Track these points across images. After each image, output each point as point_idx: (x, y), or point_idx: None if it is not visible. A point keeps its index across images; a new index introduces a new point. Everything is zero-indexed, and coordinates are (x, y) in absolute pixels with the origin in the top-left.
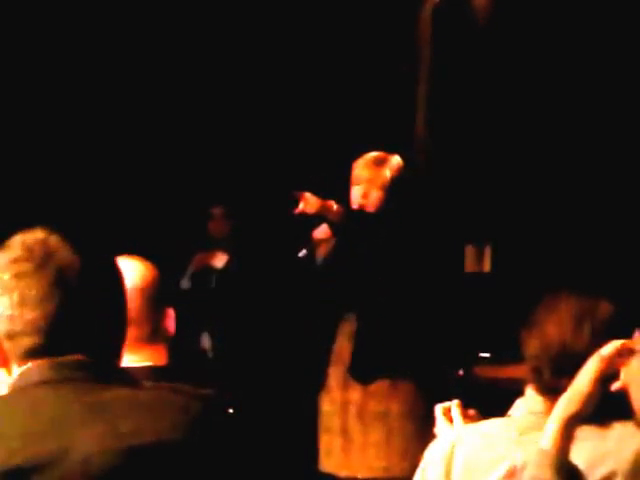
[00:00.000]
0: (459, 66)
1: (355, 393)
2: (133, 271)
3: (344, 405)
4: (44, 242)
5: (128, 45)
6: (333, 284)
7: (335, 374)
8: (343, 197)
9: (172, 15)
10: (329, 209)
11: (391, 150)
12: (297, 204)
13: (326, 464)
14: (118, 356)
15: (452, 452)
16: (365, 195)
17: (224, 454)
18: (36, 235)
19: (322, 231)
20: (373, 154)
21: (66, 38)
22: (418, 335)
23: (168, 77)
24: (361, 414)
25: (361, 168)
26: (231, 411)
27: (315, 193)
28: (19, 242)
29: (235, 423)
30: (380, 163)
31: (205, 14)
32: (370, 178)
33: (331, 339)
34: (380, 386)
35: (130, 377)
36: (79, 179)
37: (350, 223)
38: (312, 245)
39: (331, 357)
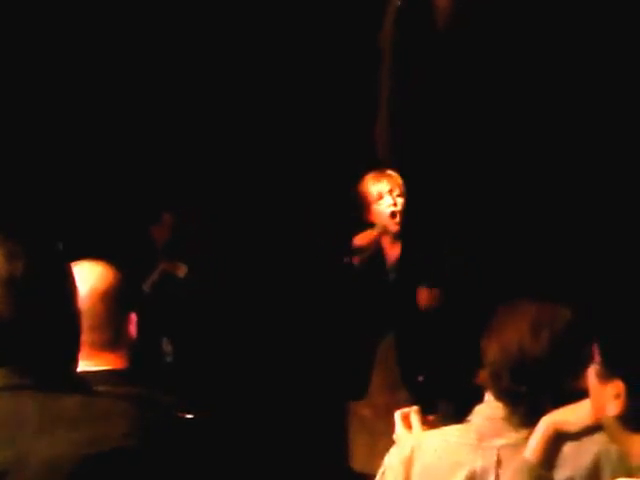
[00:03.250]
0: (421, 70)
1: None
2: (94, 275)
3: (388, 408)
4: None
5: (86, 47)
6: (369, 292)
7: (377, 381)
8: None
9: (134, 19)
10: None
11: (350, 156)
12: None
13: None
14: (70, 363)
15: (411, 457)
16: (395, 204)
17: (177, 461)
18: None
19: (362, 238)
20: (376, 171)
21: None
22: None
23: (130, 82)
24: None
25: (381, 182)
26: (190, 416)
27: (281, 196)
28: None
29: (191, 429)
30: (389, 175)
31: (165, 19)
32: (392, 188)
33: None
34: None
35: (84, 384)
36: (39, 181)
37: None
38: (352, 252)
39: (375, 365)
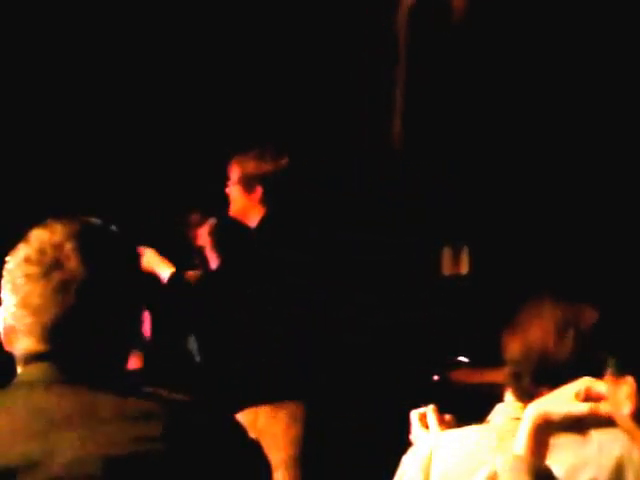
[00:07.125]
0: (436, 68)
1: None
2: None
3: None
4: (58, 247)
5: (86, 49)
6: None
7: None
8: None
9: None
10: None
11: (367, 152)
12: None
13: None
14: (116, 362)
15: (430, 459)
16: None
17: (205, 463)
18: (54, 236)
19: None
20: None
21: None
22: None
23: (134, 79)
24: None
25: None
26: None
27: None
28: (37, 239)
29: (213, 430)
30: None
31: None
32: None
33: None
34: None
35: (126, 385)
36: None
37: None
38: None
39: None
